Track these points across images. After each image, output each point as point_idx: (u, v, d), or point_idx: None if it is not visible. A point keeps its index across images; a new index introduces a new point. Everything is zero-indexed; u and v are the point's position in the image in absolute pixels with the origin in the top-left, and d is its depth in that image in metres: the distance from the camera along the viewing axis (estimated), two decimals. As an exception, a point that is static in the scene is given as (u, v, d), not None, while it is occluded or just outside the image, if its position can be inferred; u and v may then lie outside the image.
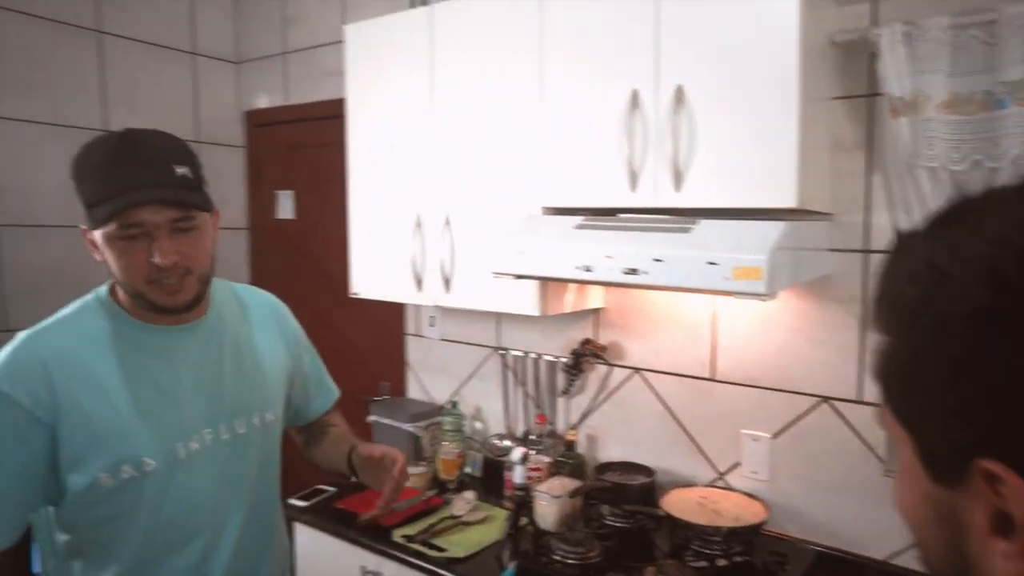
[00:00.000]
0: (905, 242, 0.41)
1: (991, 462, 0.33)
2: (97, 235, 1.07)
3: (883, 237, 1.66)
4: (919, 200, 1.49)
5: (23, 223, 2.55)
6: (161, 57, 2.91)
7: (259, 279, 3.21)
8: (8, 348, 1.09)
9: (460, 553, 1.82)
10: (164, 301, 1.10)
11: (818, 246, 1.64)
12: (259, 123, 3.12)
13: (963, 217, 0.37)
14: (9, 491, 1.06)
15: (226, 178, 3.17)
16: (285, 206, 3.07)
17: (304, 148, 2.98)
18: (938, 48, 1.41)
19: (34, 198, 2.57)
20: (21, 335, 1.10)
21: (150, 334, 1.15)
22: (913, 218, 1.51)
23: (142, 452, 1.11)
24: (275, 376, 1.33)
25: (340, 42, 2.69)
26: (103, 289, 1.18)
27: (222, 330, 1.25)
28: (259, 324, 1.34)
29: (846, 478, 1.74)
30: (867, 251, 1.68)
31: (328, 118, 2.79)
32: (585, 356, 2.11)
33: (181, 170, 1.08)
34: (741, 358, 1.88)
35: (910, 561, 1.66)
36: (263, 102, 3.09)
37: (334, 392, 1.53)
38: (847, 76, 1.66)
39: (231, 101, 3.17)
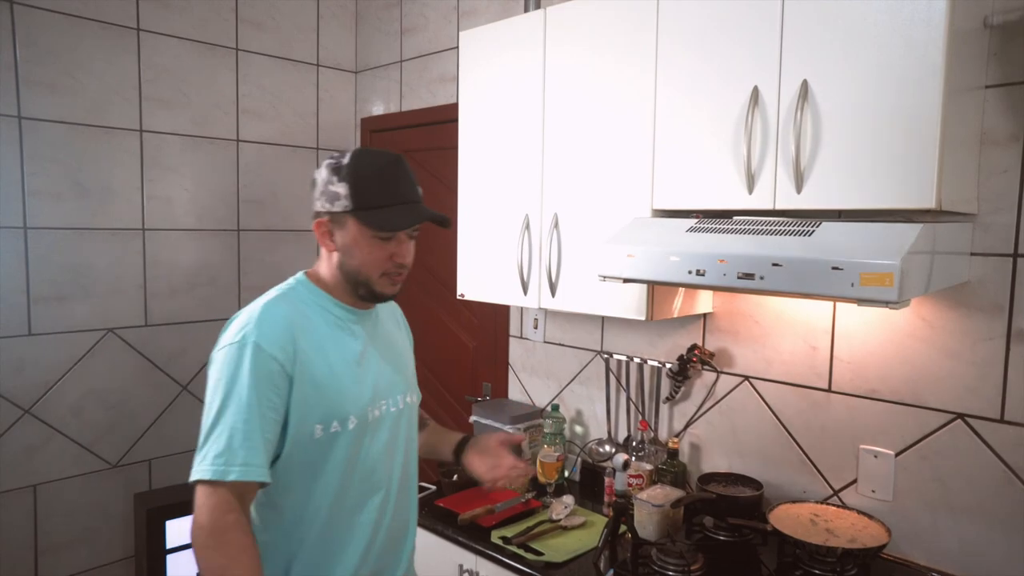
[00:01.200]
0: None
1: None
2: (352, 230, 1.28)
3: (1034, 241, 1.52)
4: (1077, 201, 1.35)
5: (167, 227, 2.78)
6: (289, 70, 3.10)
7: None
8: (254, 314, 1.25)
9: (557, 558, 1.81)
10: (387, 290, 1.35)
11: (957, 250, 1.52)
12: (373, 129, 3.26)
13: None
14: (270, 435, 1.20)
15: (341, 182, 3.33)
16: (395, 209, 3.18)
17: (415, 152, 3.08)
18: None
19: (177, 205, 2.80)
20: (258, 305, 1.28)
21: (347, 313, 1.36)
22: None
23: (349, 411, 1.30)
24: (413, 364, 1.56)
25: (453, 48, 2.79)
26: (301, 275, 1.38)
27: (379, 320, 1.47)
28: (395, 322, 1.57)
29: (984, 504, 1.60)
30: (1016, 255, 1.55)
31: (439, 123, 2.88)
32: (692, 362, 2.05)
33: (420, 191, 1.35)
34: (862, 369, 1.77)
35: (1057, 601, 1.51)
36: (378, 109, 3.23)
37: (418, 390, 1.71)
38: (1003, 61, 1.54)
39: (348, 109, 3.33)
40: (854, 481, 1.80)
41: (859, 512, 1.73)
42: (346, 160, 1.28)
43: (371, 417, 1.34)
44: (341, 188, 1.27)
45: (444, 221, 1.34)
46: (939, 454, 1.66)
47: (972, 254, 1.60)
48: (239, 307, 2.99)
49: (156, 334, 2.77)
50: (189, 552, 2.64)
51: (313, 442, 1.26)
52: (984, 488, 1.60)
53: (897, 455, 1.73)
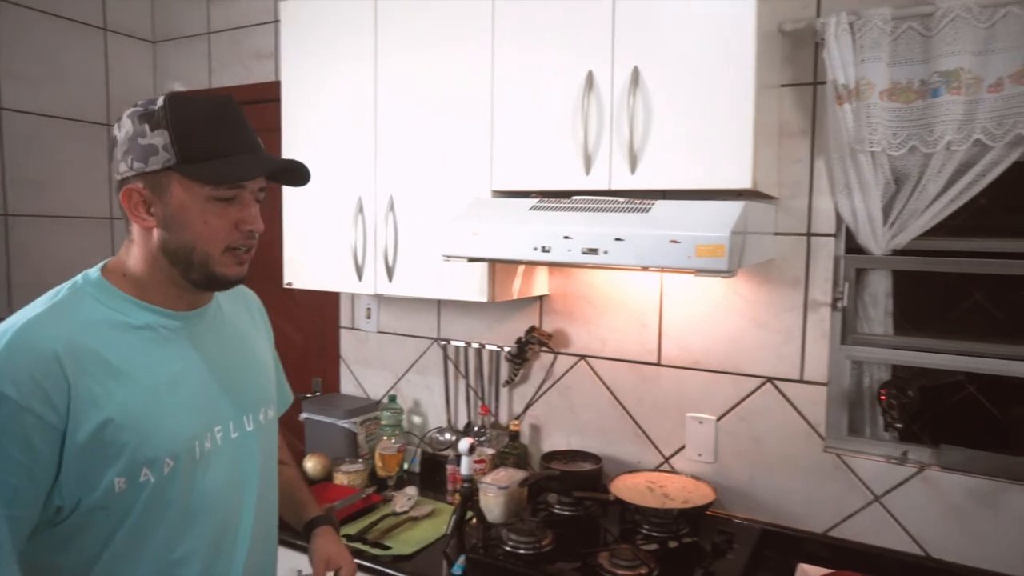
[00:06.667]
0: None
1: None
2: (179, 193, 0.99)
3: (825, 221, 1.73)
4: (860, 184, 1.56)
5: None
6: (69, 31, 2.68)
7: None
8: (1, 342, 0.91)
9: (405, 550, 1.75)
10: (231, 272, 1.05)
11: (766, 229, 1.69)
12: (177, 107, 2.93)
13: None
14: (18, 510, 0.89)
15: (139, 165, 2.96)
16: (205, 195, 2.89)
17: (228, 134, 2.82)
18: (880, 38, 1.49)
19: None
20: (9, 327, 0.93)
21: (163, 318, 1.04)
22: (854, 202, 1.58)
23: (162, 451, 0.98)
24: (270, 370, 1.26)
25: (272, 22, 2.60)
26: (93, 272, 1.04)
27: (223, 319, 1.17)
28: (249, 315, 1.26)
29: (788, 456, 1.80)
30: (810, 234, 1.75)
31: (258, 102, 2.65)
32: (530, 344, 2.09)
33: (259, 141, 1.07)
34: (687, 343, 1.91)
35: (847, 532, 1.74)
36: (183, 85, 2.91)
37: (290, 396, 1.41)
38: (794, 64, 1.73)
39: (146, 82, 2.97)
40: (682, 447, 1.94)
41: (689, 476, 1.87)
42: (159, 104, 0.99)
43: (199, 453, 1.03)
44: (159, 138, 0.97)
45: (302, 170, 1.08)
46: (753, 415, 1.84)
47: (776, 234, 1.79)
48: (10, 309, 2.56)
49: None
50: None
51: (114, 496, 0.95)
52: (788, 442, 1.80)
53: (719, 420, 1.88)
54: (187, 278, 1.03)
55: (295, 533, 1.80)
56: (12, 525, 0.89)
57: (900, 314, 1.77)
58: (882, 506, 1.70)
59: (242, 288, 1.26)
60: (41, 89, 2.61)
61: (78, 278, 1.03)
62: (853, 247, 1.71)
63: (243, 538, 1.12)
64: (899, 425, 1.64)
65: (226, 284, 1.06)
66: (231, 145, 1.00)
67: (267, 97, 2.52)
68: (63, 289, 1.01)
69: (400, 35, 1.92)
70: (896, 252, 1.62)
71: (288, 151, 2.15)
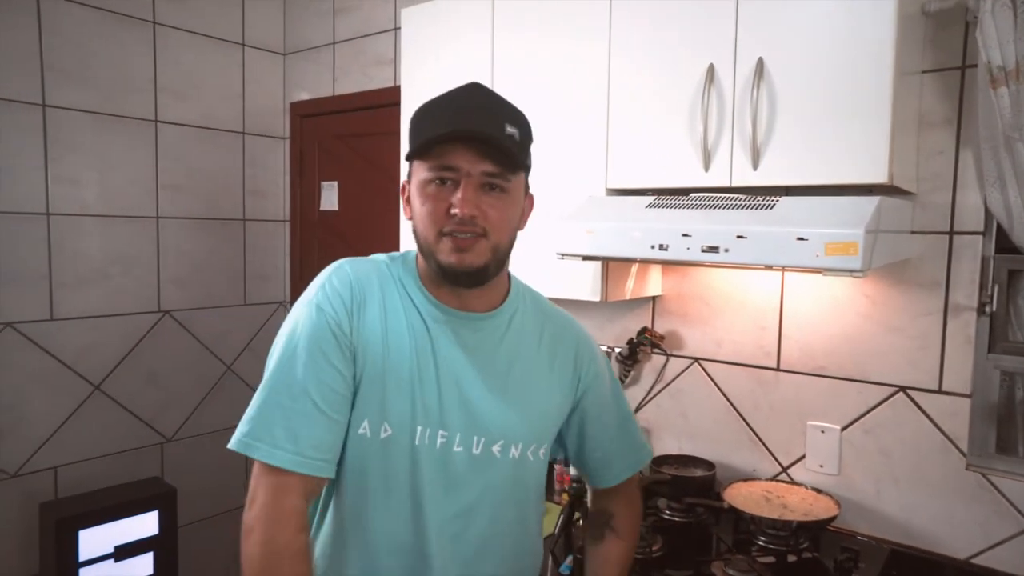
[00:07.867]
0: None
1: None
2: (414, 183, 1.05)
3: (971, 218, 1.60)
4: (1017, 176, 1.42)
5: (75, 212, 2.55)
6: (211, 48, 2.92)
7: (301, 272, 3.19)
8: (327, 270, 1.07)
9: (512, 545, 1.76)
10: (450, 259, 1.00)
11: (902, 226, 1.58)
12: (304, 114, 3.11)
13: None
14: (332, 409, 0.99)
15: (269, 170, 3.17)
16: (329, 197, 3.05)
17: (349, 138, 2.96)
18: (1049, 11, 1.35)
19: (85, 188, 2.57)
20: (339, 261, 1.09)
21: (432, 307, 1.07)
22: (1008, 196, 1.44)
23: (385, 415, 1.02)
24: (548, 409, 1.16)
25: (391, 30, 2.70)
26: (412, 252, 1.12)
27: (504, 337, 1.12)
28: (552, 348, 1.17)
29: (922, 473, 1.67)
30: (952, 232, 1.62)
31: (376, 107, 2.78)
32: (642, 346, 2.05)
33: (511, 129, 1.01)
34: (809, 346, 1.81)
35: (993, 561, 1.58)
36: (309, 93, 3.08)
37: (639, 454, 1.31)
38: (938, 48, 1.61)
39: (277, 93, 3.17)
40: (802, 457, 1.84)
41: (809, 487, 1.77)
42: None
43: (417, 440, 1.03)
44: (409, 136, 1.07)
45: (496, 148, 0.98)
46: (882, 426, 1.72)
47: (912, 232, 1.66)
48: (159, 301, 2.81)
49: (63, 329, 2.53)
50: (105, 564, 2.43)
51: (358, 441, 1.03)
52: (923, 457, 1.67)
53: (843, 430, 1.78)
54: (431, 269, 1.05)
55: None
56: (321, 428, 0.98)
57: (1059, 321, 1.60)
58: (1039, 535, 1.54)
59: (555, 316, 1.23)
60: (186, 101, 2.84)
61: (399, 253, 1.14)
62: (1005, 246, 1.56)
63: (458, 568, 1.07)
64: (1059, 444, 1.48)
65: (450, 273, 1.02)
66: (443, 126, 0.98)
67: (387, 102, 2.62)
68: (388, 255, 1.13)
69: (516, 33, 1.94)
70: (1057, 253, 1.47)
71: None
